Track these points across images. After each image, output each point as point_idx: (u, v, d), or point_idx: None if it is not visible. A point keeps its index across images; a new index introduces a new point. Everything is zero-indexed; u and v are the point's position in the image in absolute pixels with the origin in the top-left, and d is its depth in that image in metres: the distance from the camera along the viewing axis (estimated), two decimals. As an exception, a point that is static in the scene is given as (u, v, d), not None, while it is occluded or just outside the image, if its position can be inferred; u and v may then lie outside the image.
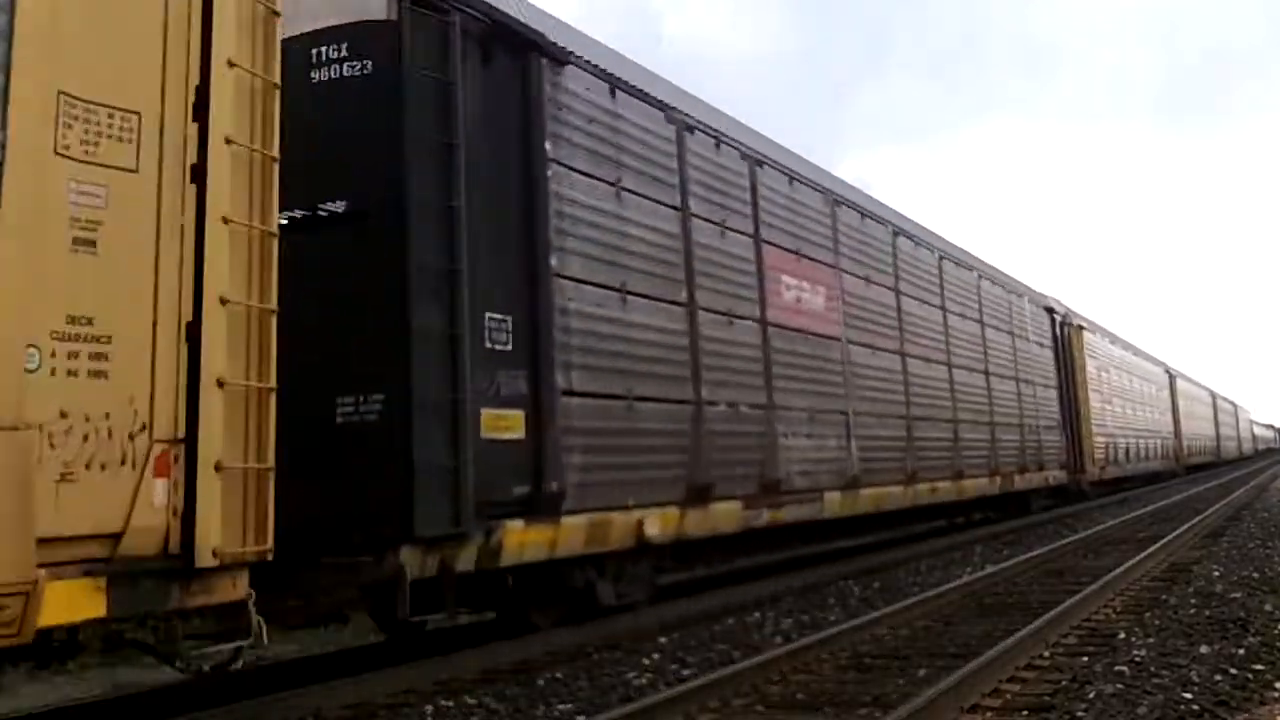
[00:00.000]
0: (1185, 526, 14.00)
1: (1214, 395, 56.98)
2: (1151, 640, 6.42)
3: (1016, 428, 17.37)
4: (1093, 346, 24.57)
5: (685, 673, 6.29)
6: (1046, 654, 6.25)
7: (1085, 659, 6.02)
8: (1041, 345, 20.32)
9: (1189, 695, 5.00)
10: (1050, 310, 21.73)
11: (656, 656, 6.85)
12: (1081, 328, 23.78)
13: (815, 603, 9.13)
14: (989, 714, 5.01)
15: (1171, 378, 39.07)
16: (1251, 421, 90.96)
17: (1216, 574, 9.37)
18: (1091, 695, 5.08)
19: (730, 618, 8.36)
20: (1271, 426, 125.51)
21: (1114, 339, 29.45)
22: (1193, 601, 7.88)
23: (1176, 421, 37.73)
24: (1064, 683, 5.46)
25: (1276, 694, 5.09)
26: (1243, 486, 26.86)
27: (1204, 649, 6.09)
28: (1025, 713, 4.98)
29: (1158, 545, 11.51)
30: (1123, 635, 6.65)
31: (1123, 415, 27.26)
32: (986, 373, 16.39)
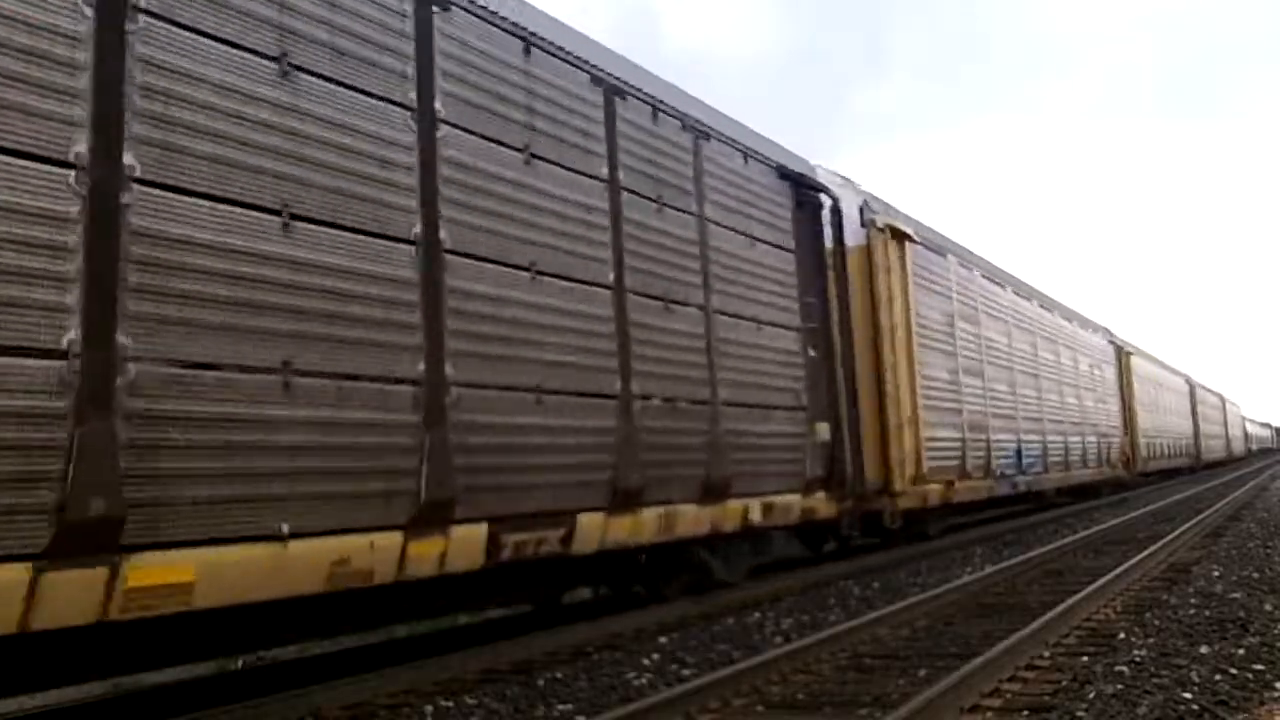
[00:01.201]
0: (1185, 526, 14.01)
1: (1193, 384, 44.84)
2: (1151, 640, 6.42)
3: (603, 408, 7.62)
4: (930, 272, 14.45)
5: (685, 673, 6.30)
6: (1046, 654, 6.24)
7: (1085, 659, 6.02)
8: (764, 241, 10.05)
9: (1189, 695, 5.00)
10: (796, 181, 10.75)
11: (656, 656, 6.85)
12: (903, 236, 13.26)
13: (815, 602, 9.13)
14: (989, 714, 5.02)
15: (1123, 354, 28.56)
16: (1244, 418, 79.77)
17: (1216, 574, 9.37)
18: (1091, 695, 5.08)
19: (730, 617, 8.36)
20: (1268, 425, 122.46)
21: (993, 274, 18.08)
22: (1193, 601, 7.88)
23: (1129, 412, 27.80)
24: (1064, 683, 5.46)
25: (1276, 694, 5.09)
26: (1229, 495, 26.79)
27: (1204, 649, 6.09)
28: (1025, 713, 4.97)
29: (1158, 545, 11.52)
30: (1123, 635, 6.65)
31: (1011, 398, 17.42)
32: (530, 268, 7.11)
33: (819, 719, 5.16)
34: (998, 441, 16.30)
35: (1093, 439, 22.96)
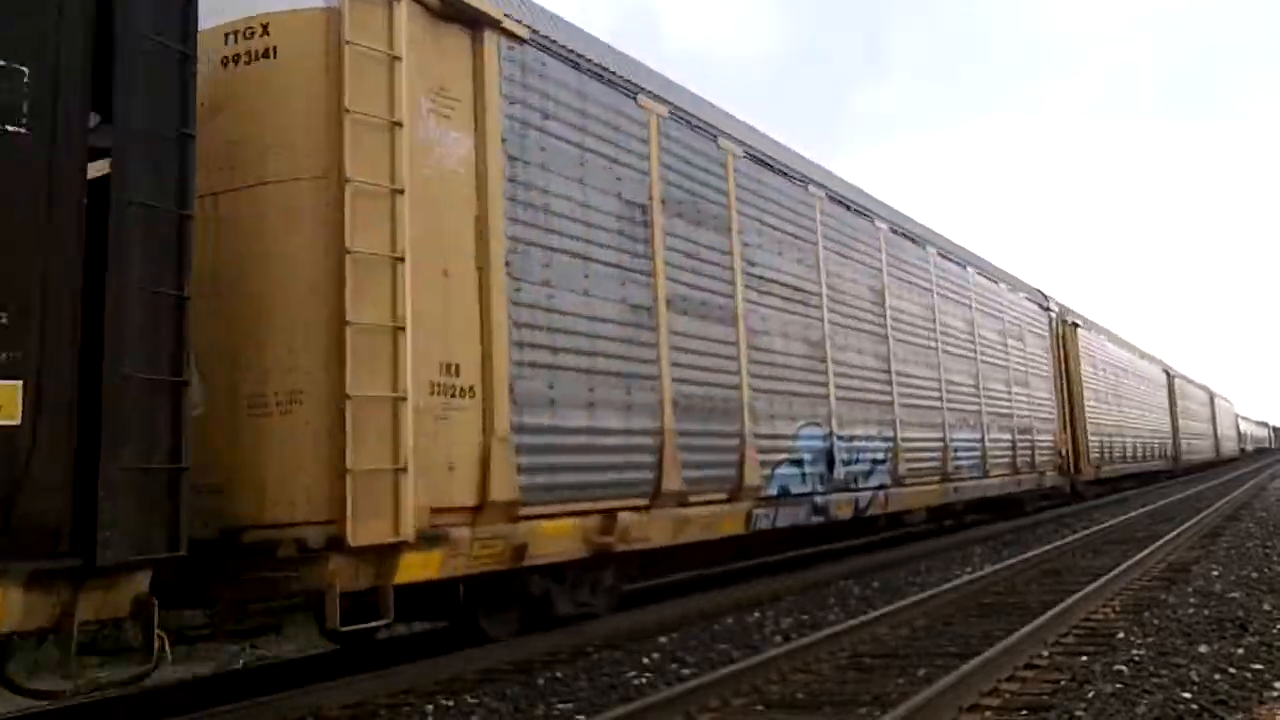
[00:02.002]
0: (1184, 526, 14.02)
1: (1172, 374, 37.96)
2: (1150, 640, 6.44)
3: None
4: (551, 97, 7.60)
5: (685, 672, 6.31)
6: (1045, 653, 6.26)
7: (1084, 658, 6.03)
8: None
9: (1188, 695, 5.01)
10: None
11: (656, 656, 6.86)
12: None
13: (815, 602, 9.14)
14: (988, 713, 5.02)
15: (1063, 326, 21.74)
16: (1237, 416, 74.01)
17: (1215, 573, 9.39)
18: (1090, 695, 5.09)
19: (730, 617, 8.37)
20: (1265, 424, 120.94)
21: (763, 152, 10.59)
22: (1191, 601, 7.90)
23: (1072, 401, 21.25)
24: (1063, 682, 5.47)
25: (1275, 693, 5.10)
26: (1227, 495, 26.73)
27: (1203, 648, 6.10)
28: (1024, 712, 4.98)
29: (1156, 545, 11.53)
30: (1122, 635, 6.66)
31: (814, 365, 10.70)
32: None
33: (819, 718, 5.16)
34: (770, 436, 9.58)
35: (1003, 435, 16.30)
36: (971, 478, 14.79)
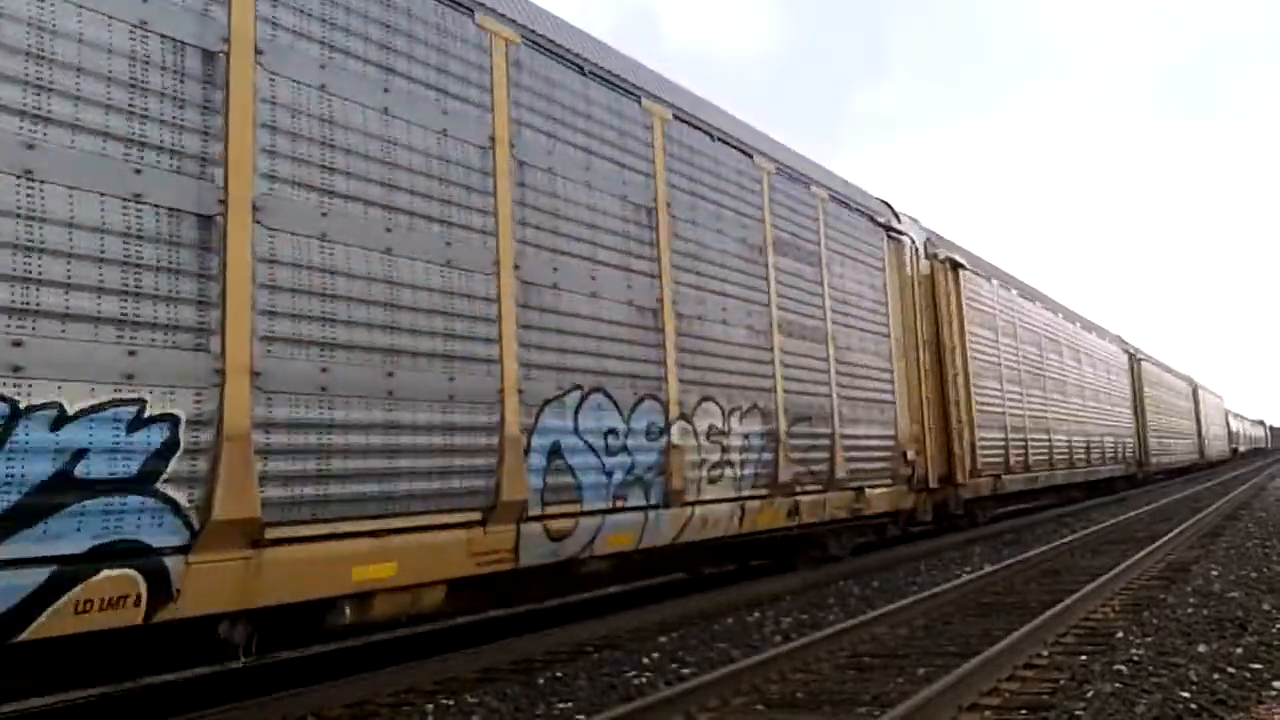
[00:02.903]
0: (1183, 526, 14.03)
1: (1137, 359, 30.19)
2: (1150, 639, 6.45)
3: None
4: None
5: (685, 672, 6.32)
6: (1045, 653, 6.27)
7: (1084, 658, 6.04)
8: None
9: (1187, 694, 5.02)
10: None
11: (656, 655, 6.87)
12: None
13: (815, 602, 9.15)
14: (987, 713, 5.03)
15: (927, 259, 14.10)
16: (1229, 413, 66.44)
17: (1215, 573, 9.40)
18: (1090, 694, 5.10)
19: (730, 617, 8.38)
20: (1262, 423, 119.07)
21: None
22: (1191, 601, 7.91)
23: (935, 389, 13.56)
24: (1062, 682, 5.48)
25: (1274, 693, 5.11)
26: (1227, 495, 26.75)
27: (1202, 648, 6.11)
28: (1024, 711, 4.99)
29: (1156, 544, 11.55)
30: (1121, 634, 6.68)
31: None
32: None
33: (818, 718, 5.17)
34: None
35: (748, 428, 9.10)
36: (615, 509, 7.36)
